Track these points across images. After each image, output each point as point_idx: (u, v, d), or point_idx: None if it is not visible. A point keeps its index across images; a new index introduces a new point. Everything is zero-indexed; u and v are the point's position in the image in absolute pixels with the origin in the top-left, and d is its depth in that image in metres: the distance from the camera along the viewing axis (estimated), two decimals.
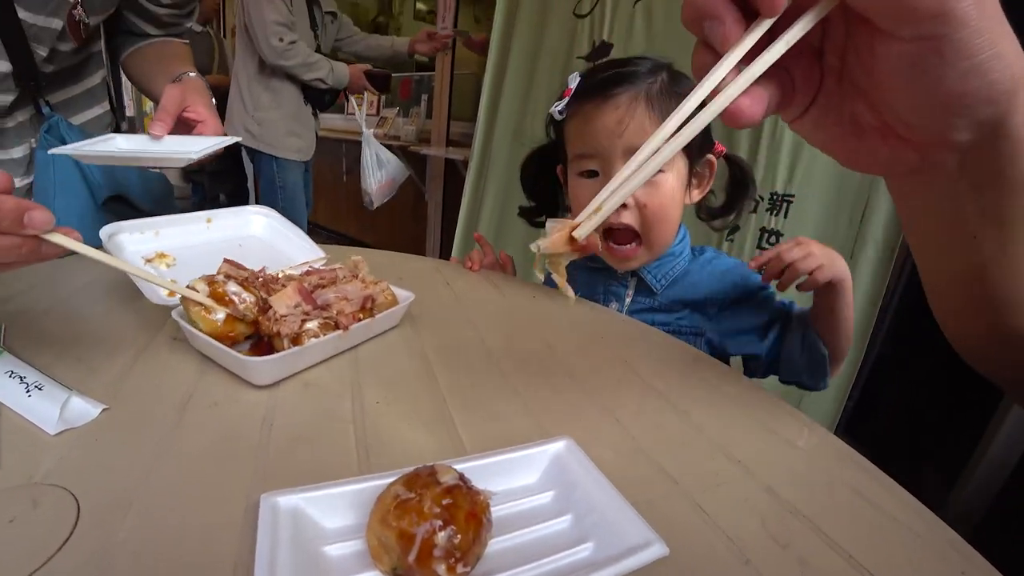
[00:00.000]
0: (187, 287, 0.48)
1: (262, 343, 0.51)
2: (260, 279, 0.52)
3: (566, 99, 0.72)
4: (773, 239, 1.43)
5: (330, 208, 4.39)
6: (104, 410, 0.40)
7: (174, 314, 0.50)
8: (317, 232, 4.52)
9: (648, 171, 0.33)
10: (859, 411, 1.56)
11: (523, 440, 0.36)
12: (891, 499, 0.38)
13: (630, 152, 0.63)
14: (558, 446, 0.34)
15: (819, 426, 0.47)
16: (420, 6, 6.60)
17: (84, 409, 0.39)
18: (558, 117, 0.73)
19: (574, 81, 0.72)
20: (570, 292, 0.42)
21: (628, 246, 0.70)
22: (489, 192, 2.08)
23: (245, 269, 0.52)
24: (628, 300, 0.77)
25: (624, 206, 0.66)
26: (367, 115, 3.85)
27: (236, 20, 2.10)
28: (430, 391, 0.46)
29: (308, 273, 0.55)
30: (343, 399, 0.44)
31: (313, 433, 0.40)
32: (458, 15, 2.79)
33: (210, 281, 0.48)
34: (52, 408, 0.38)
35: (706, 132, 0.69)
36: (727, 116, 0.29)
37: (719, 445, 0.42)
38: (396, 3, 6.50)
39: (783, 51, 0.27)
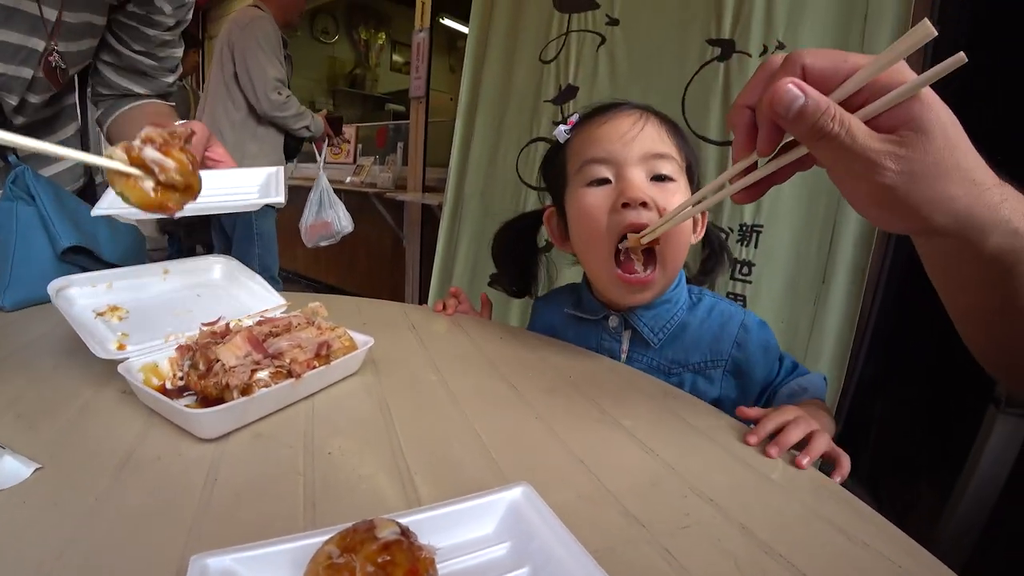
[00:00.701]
0: (104, 155, 0.43)
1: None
2: (186, 138, 0.48)
3: (570, 125, 0.71)
4: (746, 270, 1.44)
5: (309, 256, 4.36)
6: (37, 469, 0.37)
7: (120, 369, 0.48)
8: (297, 280, 4.48)
9: (693, 210, 0.51)
10: (847, 435, 1.55)
11: (483, 487, 0.34)
12: (872, 531, 0.37)
13: (646, 158, 0.64)
14: (515, 493, 0.32)
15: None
16: (396, 58, 6.80)
17: (15, 469, 0.37)
18: (563, 138, 0.71)
19: (575, 116, 0.72)
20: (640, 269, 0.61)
21: (645, 272, 0.64)
22: (464, 235, 2.08)
23: (173, 125, 0.47)
24: (624, 357, 0.72)
25: (644, 204, 0.62)
26: (344, 163, 3.90)
27: (214, 73, 2.13)
28: (387, 439, 0.44)
29: (260, 322, 0.53)
30: (294, 450, 0.42)
31: (259, 487, 0.37)
32: (431, 65, 2.86)
33: (126, 148, 0.43)
34: None
35: (698, 176, 0.71)
36: (733, 199, 0.44)
37: (689, 483, 0.40)
38: (372, 56, 6.68)
39: (763, 175, 0.40)
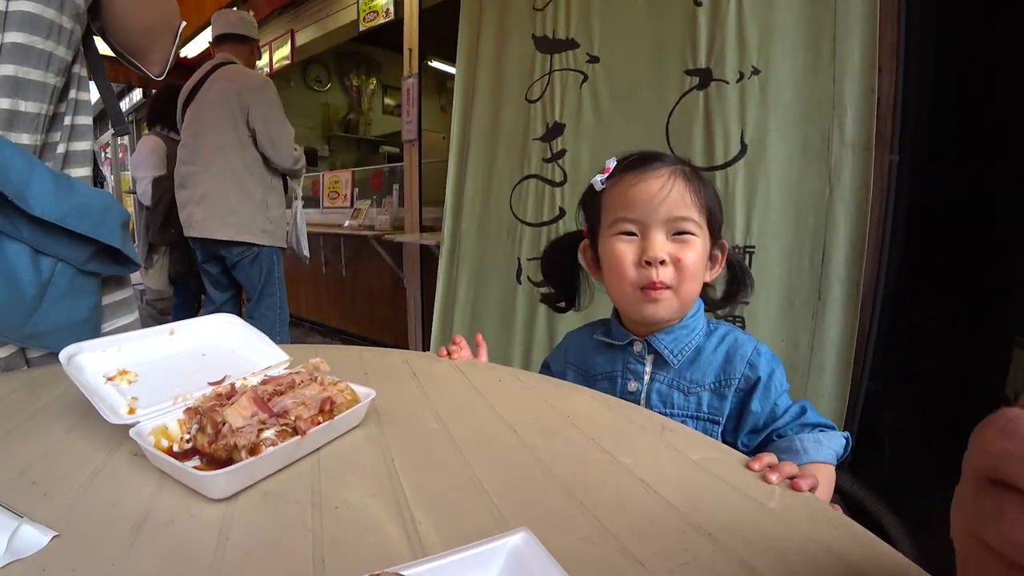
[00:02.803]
0: None
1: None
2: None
3: (607, 174, 0.79)
4: None
5: (311, 299, 4.40)
6: (55, 537, 0.38)
7: (132, 434, 0.49)
8: (300, 324, 4.50)
9: None
10: (860, 448, 1.54)
11: (485, 534, 0.35)
12: (871, 555, 0.37)
13: (669, 222, 0.73)
14: (515, 540, 0.33)
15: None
16: (388, 101, 6.96)
17: (34, 538, 0.38)
18: (599, 187, 0.80)
19: (612, 162, 0.80)
20: None
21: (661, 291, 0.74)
22: (463, 273, 2.11)
23: None
24: (647, 378, 0.79)
25: (663, 262, 0.73)
26: (341, 207, 3.97)
27: (221, 129, 2.19)
28: (391, 490, 0.45)
29: (265, 381, 0.55)
30: (303, 506, 0.43)
31: (269, 545, 0.38)
32: (421, 107, 2.93)
33: None
34: (0, 538, 0.37)
35: (720, 222, 0.77)
36: None
37: (687, 518, 0.41)
38: (365, 101, 6.84)
39: None
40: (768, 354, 0.77)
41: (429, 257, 2.89)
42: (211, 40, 2.38)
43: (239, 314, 2.39)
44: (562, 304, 0.95)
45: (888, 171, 1.46)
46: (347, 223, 3.58)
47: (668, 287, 0.74)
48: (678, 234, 0.74)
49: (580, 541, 0.38)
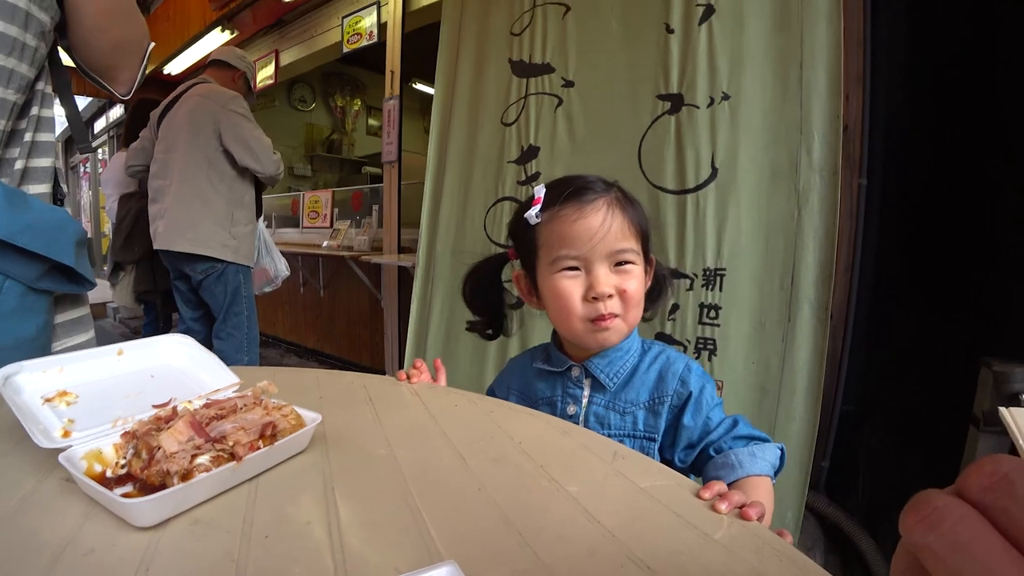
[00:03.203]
0: None
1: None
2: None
3: (538, 206, 0.77)
4: (713, 313, 1.46)
5: (288, 320, 4.34)
6: None
7: (61, 458, 0.47)
8: (277, 344, 4.44)
9: None
10: (835, 474, 1.55)
11: (416, 566, 0.34)
12: None
13: (611, 256, 0.73)
14: (440, 573, 0.32)
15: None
16: (372, 122, 7.00)
17: None
18: (534, 221, 0.78)
19: (541, 192, 0.78)
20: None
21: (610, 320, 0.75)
22: (437, 294, 2.10)
23: None
24: (585, 401, 0.81)
25: (610, 296, 0.74)
26: (320, 227, 3.95)
27: (188, 146, 2.18)
28: (326, 520, 0.44)
29: (207, 405, 0.53)
30: (231, 535, 0.41)
31: None
32: (402, 129, 2.95)
33: None
34: None
35: (650, 239, 0.78)
36: None
37: (629, 551, 0.40)
38: (349, 121, 6.87)
39: None
40: (699, 371, 0.79)
41: (407, 279, 2.87)
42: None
43: (210, 332, 2.34)
44: (490, 332, 0.94)
45: (857, 194, 1.49)
46: (325, 243, 3.55)
47: (616, 315, 0.75)
48: (620, 264, 0.75)
49: (514, 574, 0.37)
